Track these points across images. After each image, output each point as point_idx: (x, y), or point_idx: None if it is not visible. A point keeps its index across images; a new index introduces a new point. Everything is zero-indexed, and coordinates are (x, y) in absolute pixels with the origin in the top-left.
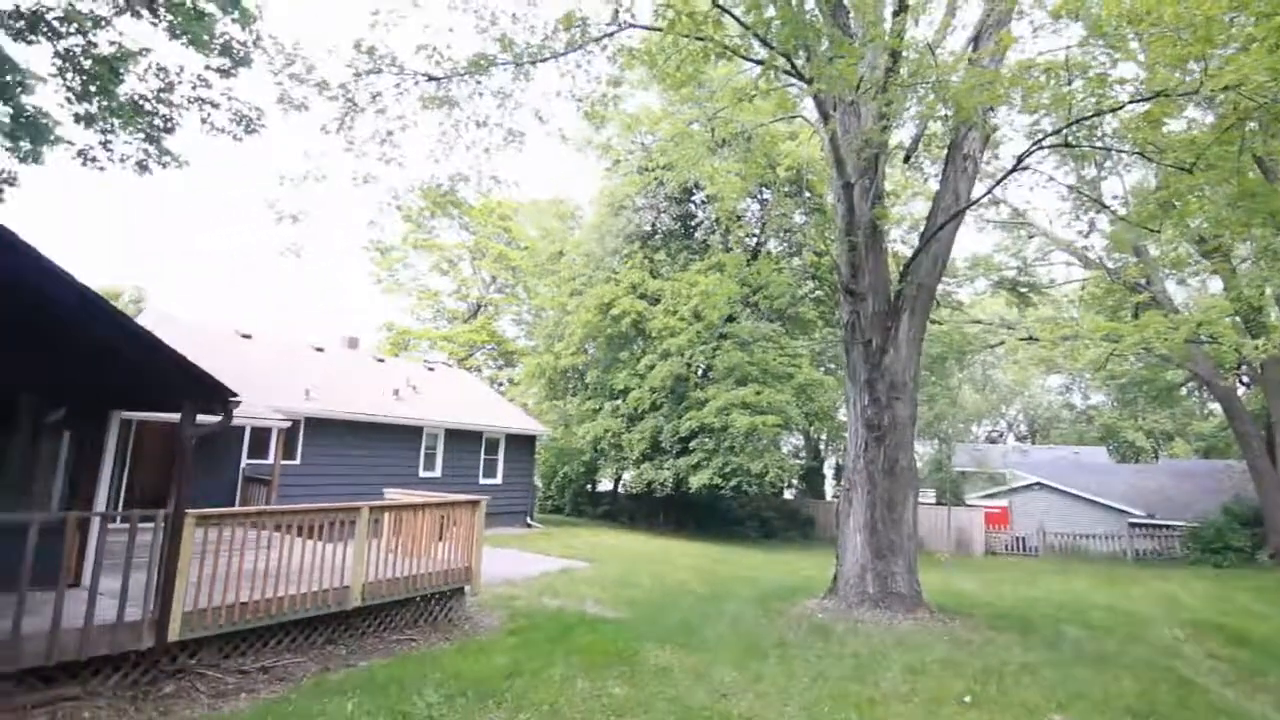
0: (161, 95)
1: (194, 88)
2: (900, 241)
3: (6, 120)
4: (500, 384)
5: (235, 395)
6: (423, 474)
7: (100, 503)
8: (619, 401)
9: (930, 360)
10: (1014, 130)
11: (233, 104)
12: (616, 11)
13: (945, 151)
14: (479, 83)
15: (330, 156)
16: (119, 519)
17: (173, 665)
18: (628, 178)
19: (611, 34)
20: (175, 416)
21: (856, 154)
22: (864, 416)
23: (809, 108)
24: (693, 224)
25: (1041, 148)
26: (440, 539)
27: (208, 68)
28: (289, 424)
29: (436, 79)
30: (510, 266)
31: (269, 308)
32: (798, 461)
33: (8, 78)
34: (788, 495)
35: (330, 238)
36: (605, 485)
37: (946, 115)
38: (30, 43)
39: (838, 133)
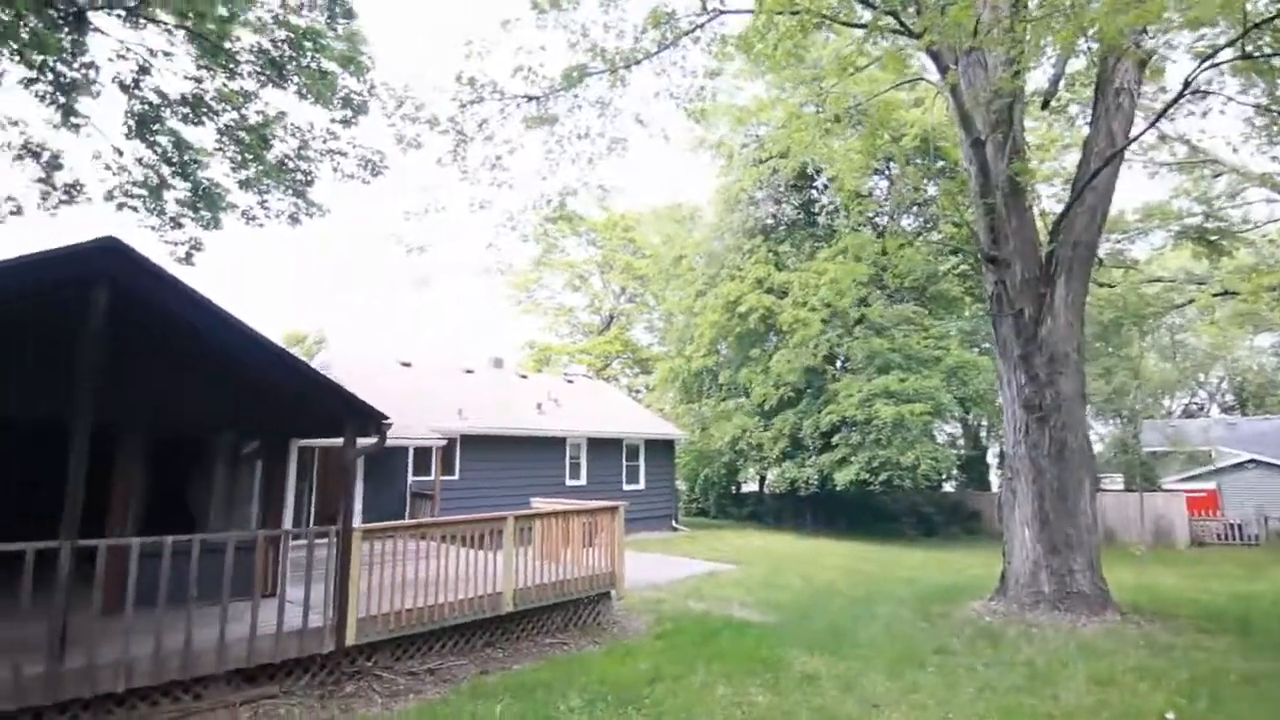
0: (300, 152)
1: (324, 141)
2: (1050, 198)
3: (188, 194)
4: (638, 391)
5: (387, 418)
6: (569, 482)
7: (287, 522)
8: (753, 400)
9: (1101, 328)
10: (1176, 51)
11: (358, 150)
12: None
13: (1093, 89)
14: (576, 96)
15: (447, 187)
16: (298, 536)
17: (352, 667)
18: (744, 171)
19: (702, 24)
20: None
21: (985, 107)
22: (1021, 396)
23: (932, 71)
24: (815, 210)
25: (1215, 65)
26: (583, 545)
27: (333, 121)
28: (445, 442)
29: (535, 98)
30: (637, 276)
31: (425, 335)
32: (956, 451)
33: (186, 157)
34: (948, 488)
35: (471, 262)
36: (750, 486)
37: (1089, 47)
38: (198, 124)
39: (960, 86)
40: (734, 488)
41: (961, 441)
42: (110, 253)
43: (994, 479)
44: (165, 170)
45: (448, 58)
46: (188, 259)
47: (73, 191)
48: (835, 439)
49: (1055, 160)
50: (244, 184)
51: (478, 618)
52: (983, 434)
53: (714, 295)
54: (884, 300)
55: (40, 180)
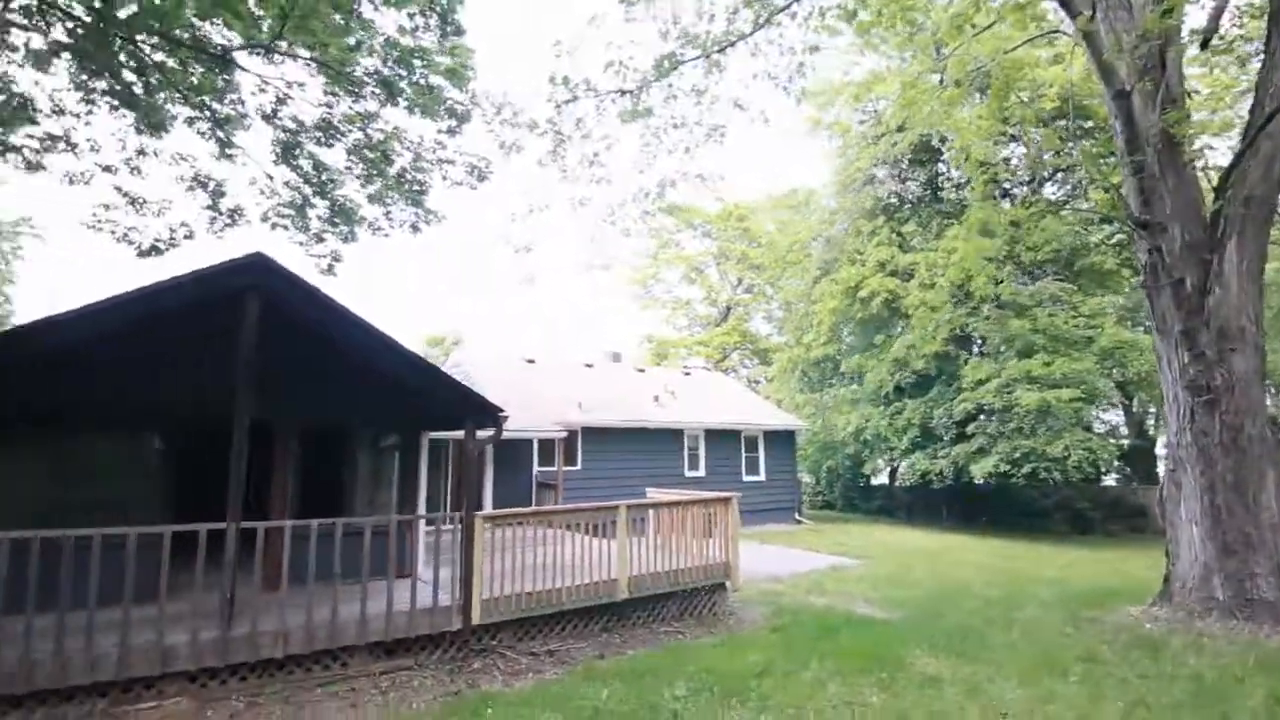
0: (415, 164)
1: (433, 151)
2: (1227, 151)
3: (327, 211)
4: (757, 382)
5: (503, 412)
6: (688, 473)
7: (421, 508)
8: (876, 388)
9: None
10: None
11: (464, 158)
12: None
13: (1265, 21)
14: (670, 85)
15: (548, 186)
16: (430, 521)
17: (479, 645)
18: (861, 150)
19: None
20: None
21: (1130, 54)
22: (1184, 377)
23: (1068, 24)
24: (941, 185)
25: None
26: (696, 535)
27: (439, 132)
28: (565, 434)
29: (628, 92)
30: (753, 265)
31: (545, 331)
32: (1116, 442)
33: (324, 177)
34: (1108, 481)
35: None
36: (880, 479)
37: None
38: (329, 146)
39: (1098, 33)
40: (861, 480)
41: (1124, 430)
42: (258, 266)
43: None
44: (307, 190)
45: (536, 58)
46: (329, 270)
47: (235, 216)
48: (971, 428)
49: (1230, 108)
50: (371, 198)
51: (594, 603)
52: (1149, 423)
53: (833, 281)
54: (1019, 277)
55: (208, 207)
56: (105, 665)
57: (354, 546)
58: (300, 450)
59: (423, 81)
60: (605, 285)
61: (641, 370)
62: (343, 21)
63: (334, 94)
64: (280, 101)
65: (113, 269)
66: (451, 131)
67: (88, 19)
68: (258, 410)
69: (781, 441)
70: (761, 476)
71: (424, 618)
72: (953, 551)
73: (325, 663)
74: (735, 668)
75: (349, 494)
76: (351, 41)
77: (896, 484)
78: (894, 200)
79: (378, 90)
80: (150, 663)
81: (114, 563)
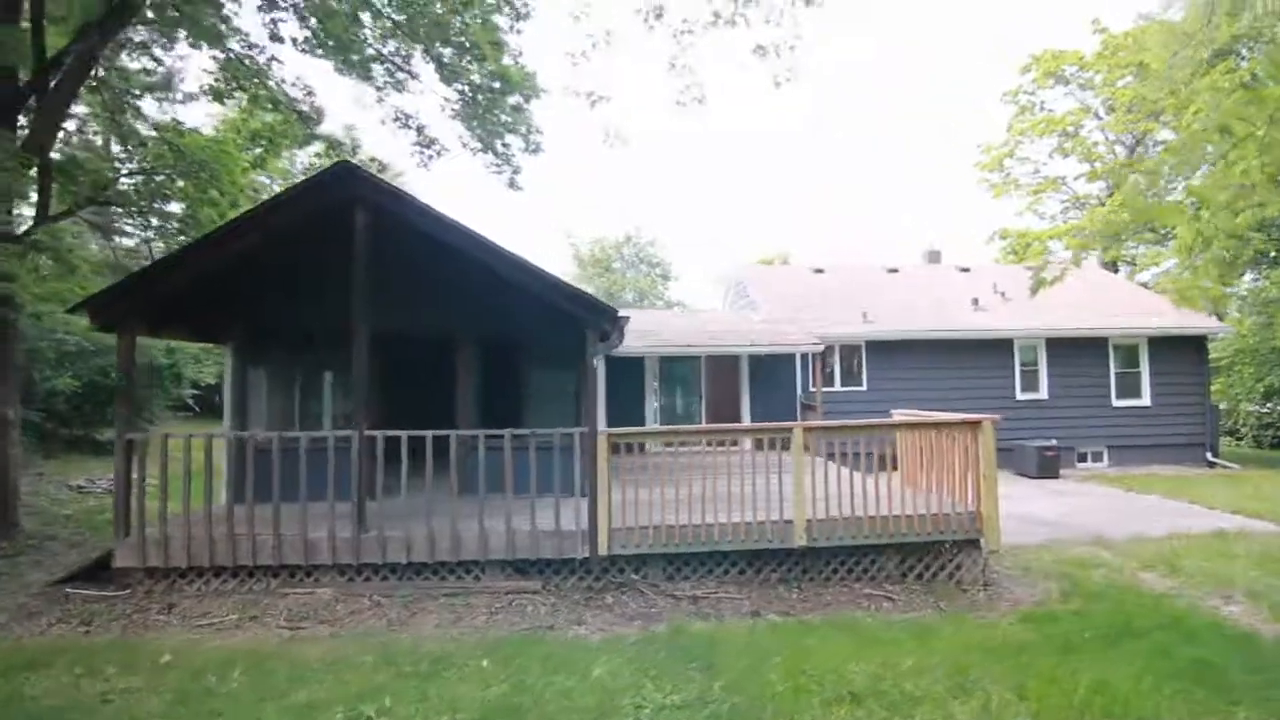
0: None
1: None
2: None
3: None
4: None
5: (622, 315)
6: (1020, 395)
7: (600, 426)
8: None
9: None
10: None
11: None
12: None
13: None
14: None
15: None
16: (544, 438)
17: (619, 577)
18: None
19: None
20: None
21: None
22: None
23: None
24: None
25: None
26: (926, 470)
27: None
28: (821, 348)
29: None
30: (1151, 111)
31: (882, 238)
32: None
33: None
34: None
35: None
36: None
37: None
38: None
39: None
40: None
41: None
42: (347, 176)
43: None
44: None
45: None
46: (513, 184)
47: (434, 147)
48: None
49: None
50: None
51: (759, 547)
52: None
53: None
54: None
55: (416, 144)
56: (263, 551)
57: (498, 461)
58: (476, 366)
59: None
60: (947, 177)
61: (966, 270)
62: None
63: None
64: None
65: None
66: None
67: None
68: (409, 325)
69: (1181, 352)
70: (1144, 400)
71: (549, 541)
72: None
73: (459, 574)
74: (926, 679)
75: (522, 410)
76: None
77: None
78: None
79: None
80: (296, 554)
81: (291, 465)
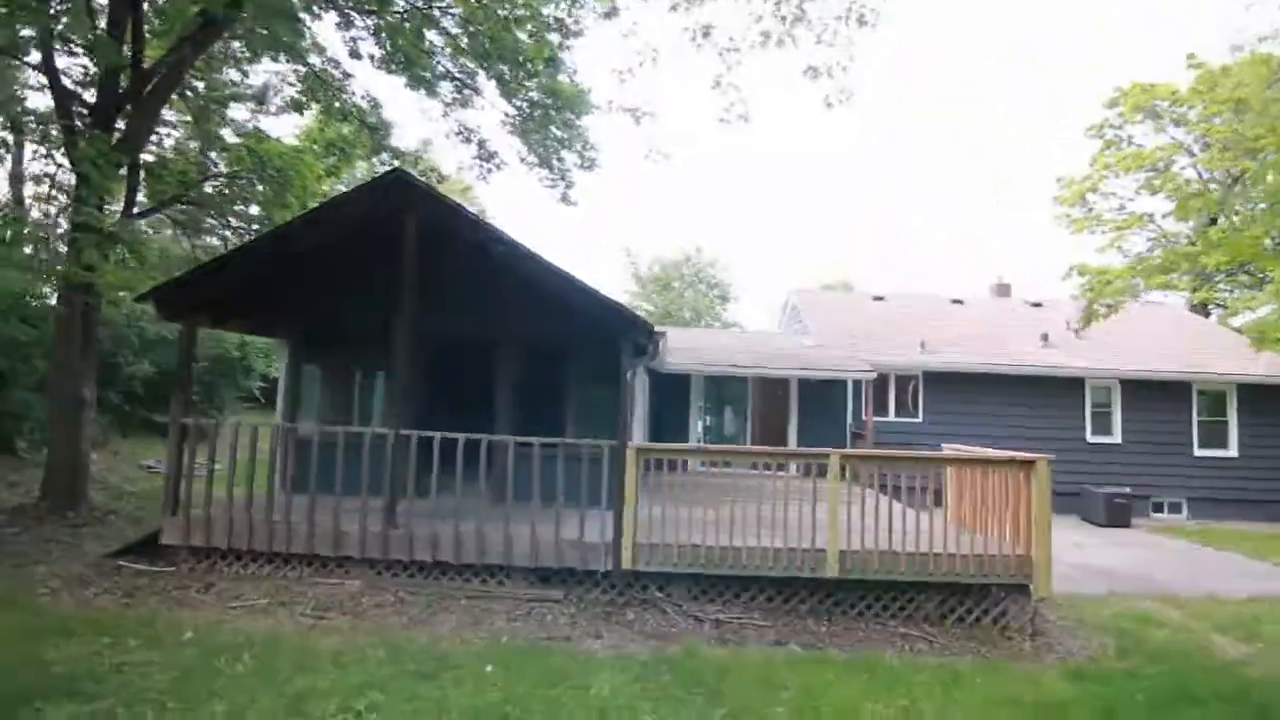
0: None
1: None
2: None
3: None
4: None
5: (658, 330)
6: (1092, 439)
7: (634, 439)
8: None
9: None
10: None
11: None
12: None
13: None
14: None
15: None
16: (571, 448)
17: (642, 594)
18: None
19: None
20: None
21: None
22: None
23: None
24: None
25: None
26: (977, 510)
27: None
28: (875, 375)
29: None
30: (1250, 148)
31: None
32: None
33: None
34: None
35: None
36: None
37: None
38: None
39: None
40: None
41: None
42: (401, 183)
43: None
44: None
45: None
46: (565, 199)
47: (493, 159)
48: None
49: None
50: None
51: (790, 575)
52: None
53: None
54: None
55: (476, 157)
56: (297, 540)
57: (528, 469)
58: (520, 374)
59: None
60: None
61: (1037, 305)
62: None
63: None
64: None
65: None
66: None
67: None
68: (456, 331)
69: (1274, 401)
70: (1231, 451)
71: (573, 551)
72: None
73: (484, 577)
74: (946, 713)
75: (564, 420)
76: None
77: None
78: None
79: None
80: (327, 545)
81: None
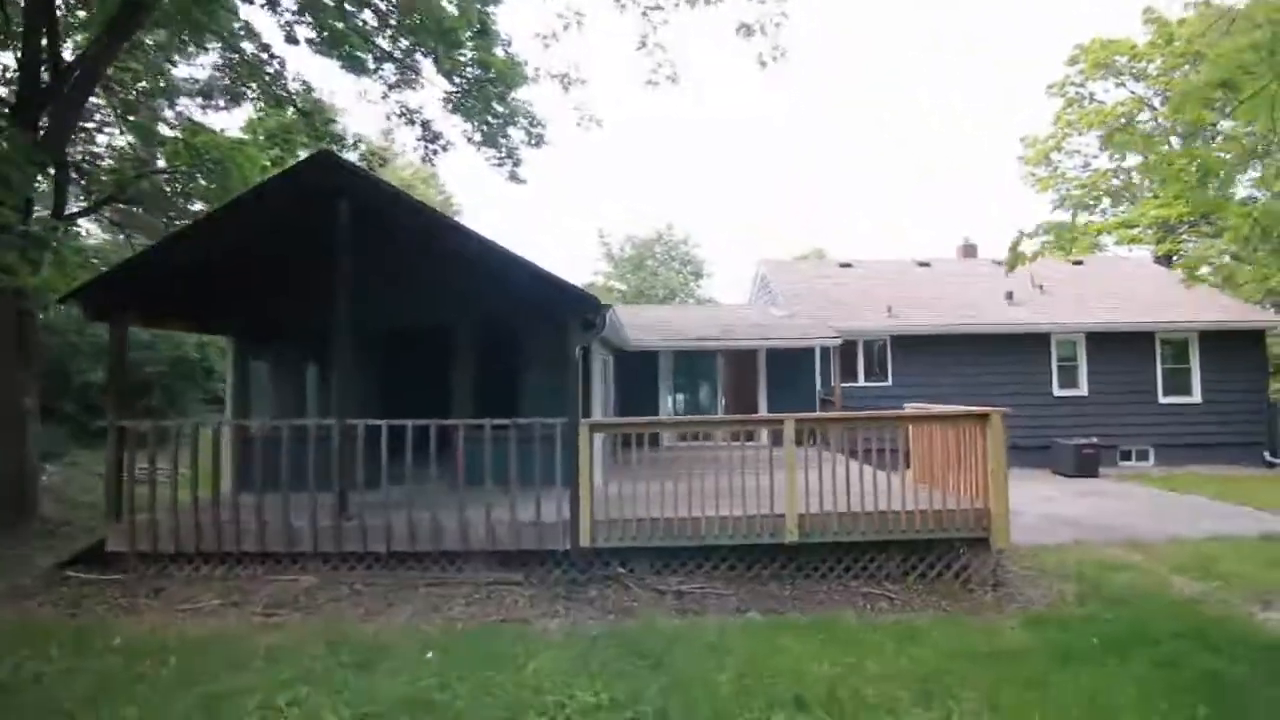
0: None
1: None
2: None
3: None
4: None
5: (603, 304)
6: (1059, 392)
7: (594, 416)
8: None
9: None
10: None
11: None
12: None
13: None
14: None
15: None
16: (525, 429)
17: (604, 570)
18: None
19: None
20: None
21: None
22: None
23: None
24: None
25: None
26: (931, 466)
27: None
28: (840, 342)
29: None
30: (1208, 103)
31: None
32: None
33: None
34: None
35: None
36: None
37: None
38: None
39: None
40: None
41: None
42: (324, 164)
43: None
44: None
45: None
46: (514, 177)
47: (438, 141)
48: None
49: None
50: None
51: (751, 542)
52: None
53: None
54: None
55: (421, 138)
56: (248, 538)
57: (480, 452)
58: (472, 358)
59: None
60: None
61: (999, 263)
62: None
63: None
64: None
65: None
66: None
67: None
68: (404, 318)
69: (1236, 347)
70: (1195, 397)
71: (529, 532)
72: None
73: (443, 564)
74: (896, 669)
75: (518, 401)
76: None
77: None
78: None
79: None
80: (280, 541)
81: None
